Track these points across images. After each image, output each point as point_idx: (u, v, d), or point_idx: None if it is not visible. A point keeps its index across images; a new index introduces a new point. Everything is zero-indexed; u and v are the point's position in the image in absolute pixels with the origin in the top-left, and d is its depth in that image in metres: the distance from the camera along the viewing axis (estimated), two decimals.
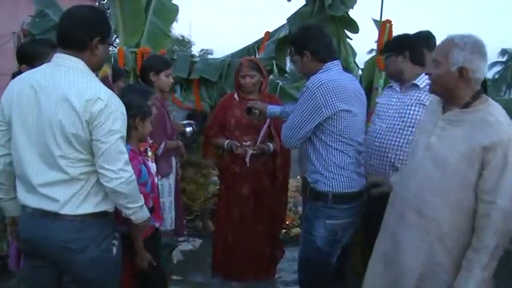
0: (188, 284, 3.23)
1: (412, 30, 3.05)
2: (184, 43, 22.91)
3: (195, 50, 21.33)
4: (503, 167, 1.73)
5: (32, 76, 1.78)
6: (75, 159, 1.71)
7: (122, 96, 2.19)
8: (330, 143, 2.31)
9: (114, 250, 1.84)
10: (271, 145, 3.21)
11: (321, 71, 2.38)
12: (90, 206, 1.75)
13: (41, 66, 1.82)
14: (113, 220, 1.89)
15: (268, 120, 3.18)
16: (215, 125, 3.30)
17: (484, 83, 2.67)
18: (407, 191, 2.00)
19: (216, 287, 3.23)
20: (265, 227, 3.28)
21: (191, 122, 4.26)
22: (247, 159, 3.15)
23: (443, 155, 1.85)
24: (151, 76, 2.95)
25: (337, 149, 2.32)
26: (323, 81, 2.27)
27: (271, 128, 3.24)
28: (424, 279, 1.92)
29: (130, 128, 1.97)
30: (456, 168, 1.81)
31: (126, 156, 1.77)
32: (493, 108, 1.82)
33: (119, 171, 1.72)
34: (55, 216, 1.72)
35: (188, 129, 3.44)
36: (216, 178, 4.74)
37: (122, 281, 1.96)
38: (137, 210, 1.86)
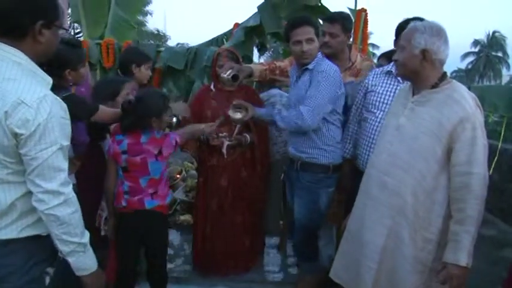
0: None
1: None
2: (160, 37, 22.58)
3: (171, 44, 21.05)
4: (474, 139, 1.82)
5: None
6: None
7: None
8: (331, 120, 2.61)
9: (47, 280, 1.53)
10: (248, 136, 3.16)
11: (318, 58, 2.62)
12: (14, 231, 1.44)
13: None
14: (50, 243, 1.52)
15: None
16: (192, 117, 3.20)
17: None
18: (373, 167, 2.09)
19: (196, 279, 3.19)
20: (244, 218, 3.25)
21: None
22: (224, 151, 3.10)
23: (411, 133, 1.94)
24: (133, 68, 3.02)
25: (334, 125, 2.63)
26: (334, 68, 2.57)
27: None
28: (385, 253, 1.99)
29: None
30: (423, 142, 1.89)
31: (63, 174, 1.44)
32: (457, 86, 1.92)
33: (53, 191, 1.41)
34: None
35: (174, 119, 3.36)
36: (194, 172, 4.68)
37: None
38: (77, 250, 1.48)
